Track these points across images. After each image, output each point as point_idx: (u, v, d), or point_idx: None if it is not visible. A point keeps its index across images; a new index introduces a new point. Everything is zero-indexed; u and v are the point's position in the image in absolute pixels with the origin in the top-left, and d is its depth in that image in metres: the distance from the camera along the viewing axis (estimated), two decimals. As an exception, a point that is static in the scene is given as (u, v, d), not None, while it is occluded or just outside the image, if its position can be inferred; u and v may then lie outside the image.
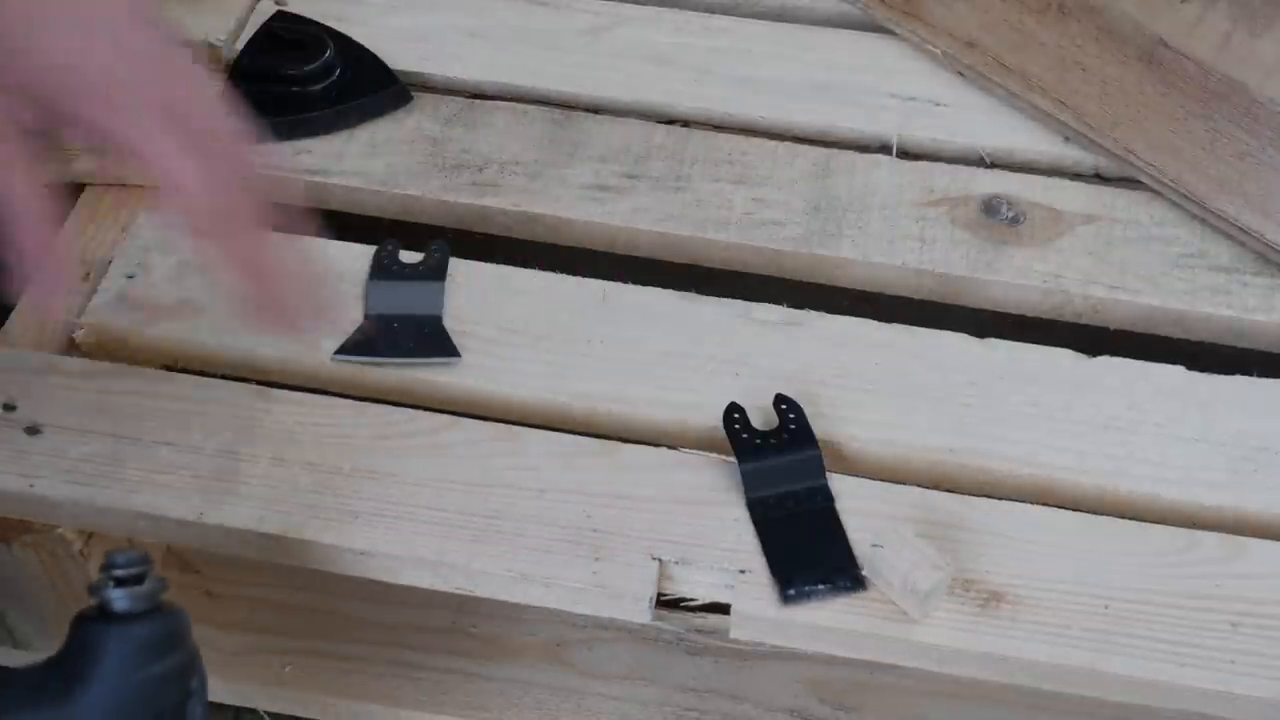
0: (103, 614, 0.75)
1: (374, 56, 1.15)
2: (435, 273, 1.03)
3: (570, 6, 1.22)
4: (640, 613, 0.89)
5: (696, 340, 1.00)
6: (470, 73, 1.17)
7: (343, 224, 1.09)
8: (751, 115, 1.15)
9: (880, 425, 0.97)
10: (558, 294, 1.03)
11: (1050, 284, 1.05)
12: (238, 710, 1.11)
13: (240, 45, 1.14)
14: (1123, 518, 0.93)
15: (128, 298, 1.02)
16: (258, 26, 1.16)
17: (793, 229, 1.07)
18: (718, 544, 0.90)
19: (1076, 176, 1.12)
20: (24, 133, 0.78)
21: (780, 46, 1.19)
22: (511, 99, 1.16)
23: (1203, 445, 0.96)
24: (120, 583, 0.75)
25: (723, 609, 0.90)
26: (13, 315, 1.01)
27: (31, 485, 0.93)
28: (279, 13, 1.18)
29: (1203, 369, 1.00)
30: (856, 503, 0.92)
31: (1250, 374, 1.00)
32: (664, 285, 1.04)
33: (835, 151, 1.12)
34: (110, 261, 1.04)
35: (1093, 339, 1.03)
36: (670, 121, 1.15)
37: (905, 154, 1.13)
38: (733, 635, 0.90)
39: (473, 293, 1.03)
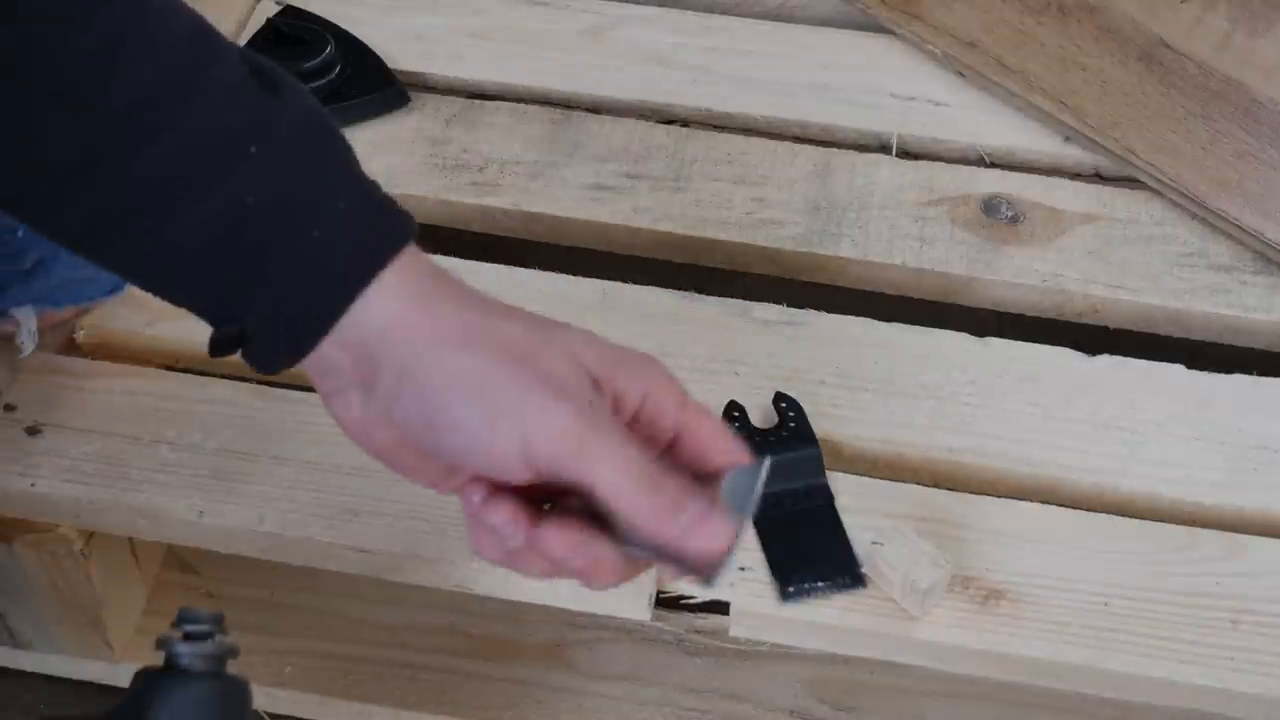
0: (165, 667, 0.75)
1: (375, 56, 1.15)
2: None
3: (570, 7, 1.22)
4: (640, 609, 0.89)
5: (696, 339, 1.00)
6: (471, 73, 1.17)
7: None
8: (752, 115, 1.15)
9: (880, 424, 0.97)
10: (557, 293, 1.03)
11: (1050, 283, 1.05)
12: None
13: (242, 43, 1.14)
14: (1123, 516, 0.93)
15: (128, 298, 1.02)
16: (259, 24, 1.16)
17: (793, 228, 1.07)
18: (717, 542, 0.90)
19: (1076, 176, 1.12)
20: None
21: (780, 46, 1.19)
22: (512, 99, 1.16)
23: (1202, 444, 0.96)
24: (187, 638, 0.75)
25: (722, 608, 0.90)
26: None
27: (32, 485, 0.93)
28: (287, 8, 1.18)
29: (1202, 368, 1.00)
30: (856, 501, 0.92)
31: (1250, 373, 1.00)
32: (664, 285, 1.04)
33: (835, 151, 1.12)
34: (111, 261, 1.04)
35: (1093, 338, 1.03)
36: (670, 121, 1.15)
37: (905, 154, 1.13)
38: (732, 633, 0.90)
39: (473, 292, 1.03)
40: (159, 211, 0.68)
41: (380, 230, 0.71)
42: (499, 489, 0.72)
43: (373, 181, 0.72)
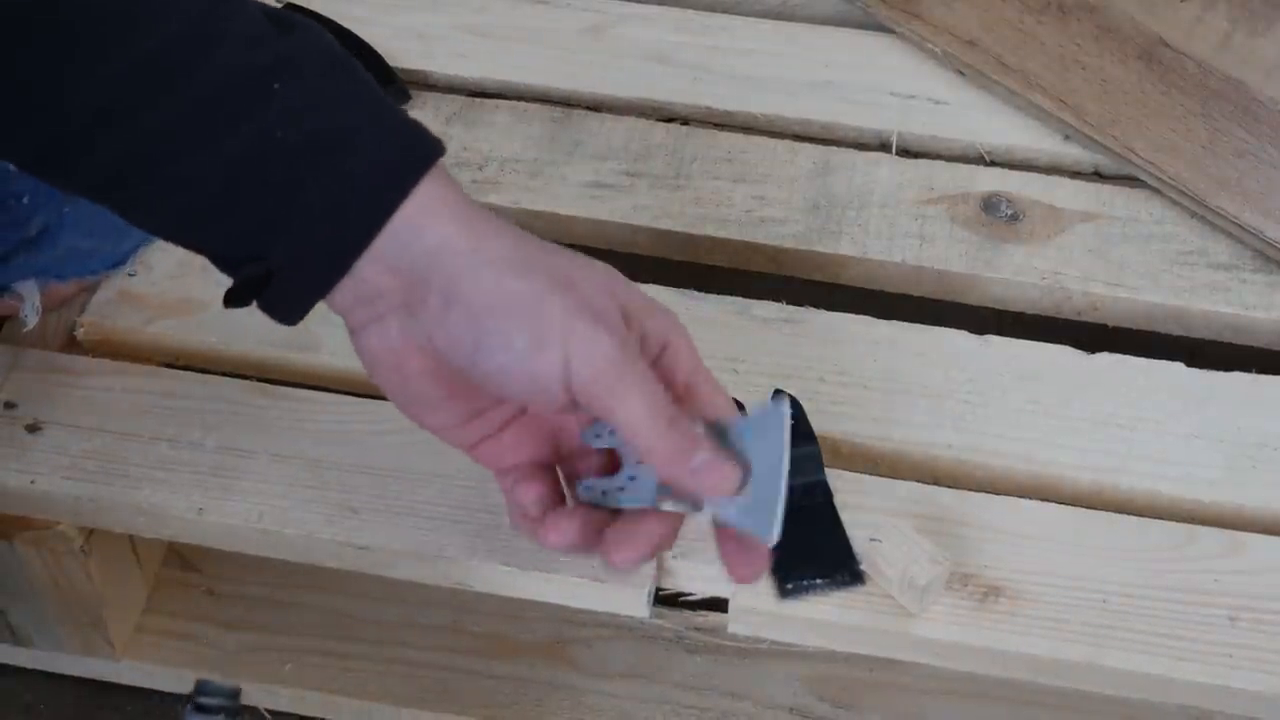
0: None
1: (375, 54, 1.15)
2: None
3: (571, 5, 1.22)
4: (639, 606, 0.89)
5: (695, 337, 0.99)
6: (471, 71, 1.17)
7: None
8: (751, 113, 1.15)
9: (879, 421, 0.97)
10: (557, 291, 1.03)
11: (1049, 281, 1.05)
12: (239, 709, 1.11)
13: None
14: (1122, 513, 0.93)
15: (129, 295, 1.02)
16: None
17: (792, 226, 1.07)
18: (716, 539, 0.90)
19: (1076, 174, 1.13)
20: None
21: (781, 45, 1.20)
22: (512, 97, 1.16)
23: (1201, 442, 0.96)
24: (201, 709, 0.76)
25: (721, 605, 0.90)
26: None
27: (32, 482, 0.93)
28: (287, 5, 1.18)
29: (1202, 366, 1.00)
30: (855, 498, 0.92)
31: (1249, 370, 1.00)
32: (663, 282, 1.04)
33: (835, 149, 1.13)
34: (111, 259, 1.04)
35: (1092, 336, 1.03)
36: (670, 119, 1.15)
37: (905, 152, 1.13)
38: (731, 630, 0.90)
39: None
40: (185, 152, 0.70)
41: (409, 151, 0.73)
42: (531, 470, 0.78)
43: (398, 108, 0.74)
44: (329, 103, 0.71)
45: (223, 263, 0.74)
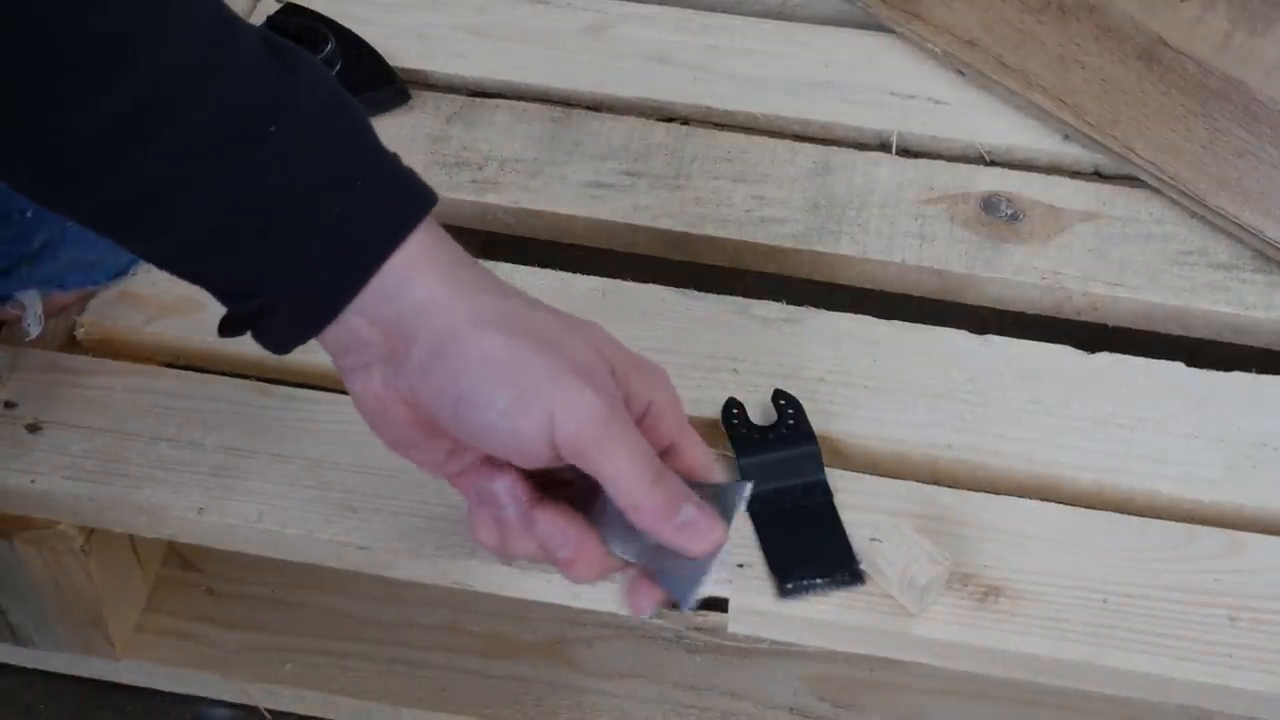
0: None
1: (375, 53, 1.15)
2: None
3: (571, 5, 1.22)
4: (639, 607, 0.89)
5: (695, 337, 1.01)
6: (471, 70, 1.17)
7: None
8: (751, 113, 1.15)
9: (879, 421, 0.97)
10: (557, 291, 1.03)
11: (1049, 281, 1.05)
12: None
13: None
14: (1122, 513, 0.93)
15: (129, 295, 1.02)
16: (260, 21, 1.16)
17: (792, 226, 1.07)
18: (716, 539, 0.90)
19: (1076, 174, 1.12)
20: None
21: (780, 45, 1.19)
22: (512, 97, 1.16)
23: (1201, 441, 0.96)
24: None
25: (721, 605, 0.90)
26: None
27: (33, 481, 0.93)
28: (287, 4, 1.18)
29: (1202, 365, 1.00)
30: (855, 498, 0.92)
31: (1249, 370, 1.00)
32: (664, 282, 1.04)
33: (835, 149, 1.12)
34: (111, 259, 1.04)
35: (1092, 336, 1.03)
36: (670, 119, 1.15)
37: (905, 152, 1.13)
38: (731, 629, 0.90)
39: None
40: (179, 194, 0.70)
41: (400, 203, 0.73)
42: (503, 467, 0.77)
43: (391, 154, 0.75)
44: (324, 149, 0.72)
45: (218, 294, 0.75)
